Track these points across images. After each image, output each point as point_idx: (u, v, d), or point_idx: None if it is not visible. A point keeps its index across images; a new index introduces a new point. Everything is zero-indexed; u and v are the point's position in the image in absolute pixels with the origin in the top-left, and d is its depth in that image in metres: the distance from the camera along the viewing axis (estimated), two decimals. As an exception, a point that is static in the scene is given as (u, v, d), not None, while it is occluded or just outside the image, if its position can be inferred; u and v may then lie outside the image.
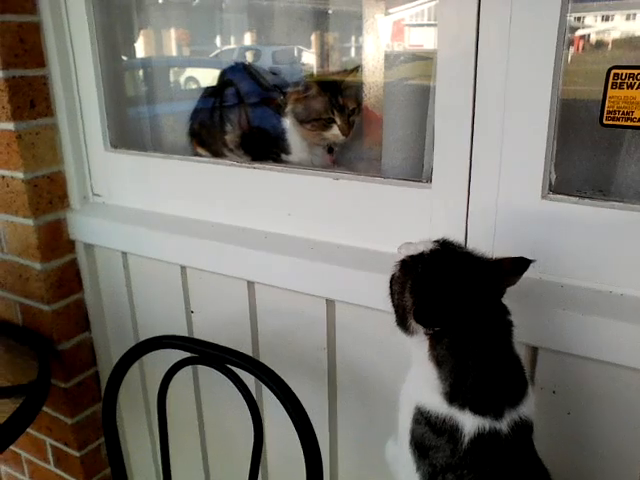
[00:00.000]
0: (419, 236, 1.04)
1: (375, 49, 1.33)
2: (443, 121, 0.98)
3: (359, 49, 1.41)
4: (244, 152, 1.37)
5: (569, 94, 0.92)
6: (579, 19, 0.95)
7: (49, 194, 1.44)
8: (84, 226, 1.46)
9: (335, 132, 1.25)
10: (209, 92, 1.49)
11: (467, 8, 0.91)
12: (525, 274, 0.95)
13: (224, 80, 1.46)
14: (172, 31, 1.65)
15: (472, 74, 0.93)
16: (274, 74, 1.49)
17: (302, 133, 1.29)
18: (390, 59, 1.30)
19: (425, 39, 1.29)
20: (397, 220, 1.08)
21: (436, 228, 1.03)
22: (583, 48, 1.00)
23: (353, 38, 1.44)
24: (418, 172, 1.12)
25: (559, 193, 0.93)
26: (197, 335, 1.38)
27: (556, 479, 0.99)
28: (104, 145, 1.43)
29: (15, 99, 1.32)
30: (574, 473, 1.00)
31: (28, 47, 1.33)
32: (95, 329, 1.61)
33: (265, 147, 1.33)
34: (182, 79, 1.74)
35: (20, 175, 1.38)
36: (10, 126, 1.34)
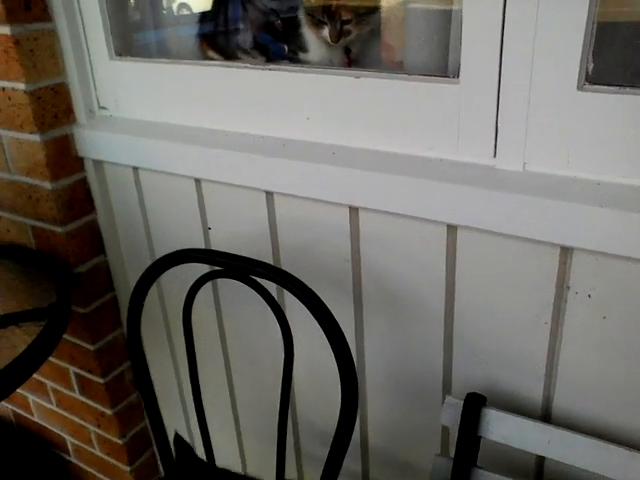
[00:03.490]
0: (447, 136, 1.06)
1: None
2: (471, 10, 0.96)
3: None
4: (259, 52, 1.36)
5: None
6: None
7: (54, 107, 1.44)
8: (92, 141, 1.47)
9: (325, 34, 1.24)
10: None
11: None
12: (558, 172, 0.98)
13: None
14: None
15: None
16: None
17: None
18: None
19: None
20: (423, 119, 1.07)
21: (464, 124, 1.03)
22: None
23: None
24: (443, 69, 1.11)
25: (596, 84, 0.92)
26: (215, 251, 1.41)
27: (591, 386, 1.03)
28: (108, 53, 1.42)
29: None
30: (610, 379, 1.02)
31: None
32: (110, 252, 1.65)
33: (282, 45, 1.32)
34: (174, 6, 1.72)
35: (22, 86, 1.38)
36: (6, 30, 1.32)
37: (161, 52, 1.63)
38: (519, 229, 0.98)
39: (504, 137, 1.01)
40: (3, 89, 1.42)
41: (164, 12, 1.69)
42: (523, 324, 1.07)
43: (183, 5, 1.71)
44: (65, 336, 1.71)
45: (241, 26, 1.40)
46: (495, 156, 1.03)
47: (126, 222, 1.58)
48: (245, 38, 1.39)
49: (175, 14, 1.72)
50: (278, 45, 1.38)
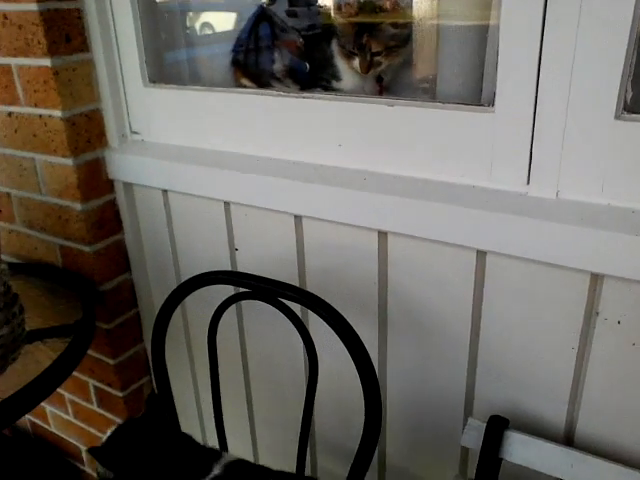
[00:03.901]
0: (480, 163, 1.01)
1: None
2: (508, 39, 0.93)
3: None
4: (293, 81, 1.33)
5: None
6: None
7: (87, 132, 1.42)
8: (123, 164, 1.44)
9: (356, 65, 1.22)
10: (252, 24, 1.44)
11: None
12: (592, 200, 0.93)
13: (264, 13, 1.41)
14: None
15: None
16: (294, 16, 1.46)
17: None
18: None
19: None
20: (456, 146, 1.04)
21: (498, 152, 1.00)
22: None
23: None
24: (476, 97, 1.07)
25: (635, 112, 0.88)
26: (242, 273, 1.36)
27: (616, 412, 0.98)
28: (142, 81, 1.39)
29: (50, 33, 1.29)
30: (637, 406, 0.98)
31: (61, -22, 1.29)
32: (136, 270, 1.61)
33: (315, 74, 1.28)
34: (198, 25, 1.69)
35: (58, 113, 1.36)
36: (47, 62, 1.31)
37: (192, 77, 1.59)
38: (549, 256, 0.95)
39: (538, 164, 0.97)
40: (40, 116, 1.40)
41: (188, 32, 1.66)
42: (550, 348, 1.03)
43: (206, 24, 1.67)
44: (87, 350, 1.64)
45: (275, 55, 1.36)
46: (528, 183, 0.99)
47: (153, 242, 1.54)
48: (278, 66, 1.35)
49: (198, 34, 1.68)
50: (302, 64, 1.36)
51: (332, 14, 1.31)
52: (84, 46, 1.37)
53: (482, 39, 1.04)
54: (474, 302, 1.08)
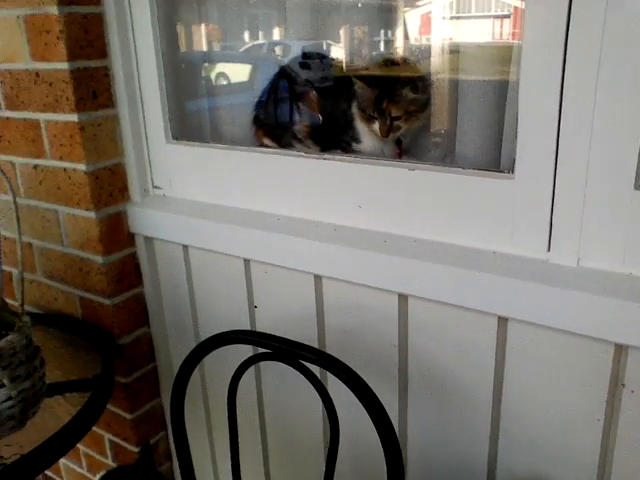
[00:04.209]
0: (500, 228, 1.01)
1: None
2: (528, 107, 0.94)
3: (388, 43, 1.41)
4: (313, 142, 1.35)
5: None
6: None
7: (110, 186, 1.44)
8: (144, 219, 1.46)
9: (376, 129, 1.24)
10: (274, 83, 1.47)
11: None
12: (613, 269, 0.92)
13: (286, 71, 1.44)
14: (202, 26, 1.64)
15: (562, 56, 0.88)
16: (307, 68, 1.49)
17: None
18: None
19: (453, 31, 1.29)
20: (477, 211, 1.04)
21: (519, 218, 1.00)
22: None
23: (382, 31, 1.43)
24: (495, 162, 1.08)
25: (655, 183, 0.88)
26: (260, 330, 1.36)
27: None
28: (165, 137, 1.42)
29: (79, 91, 1.33)
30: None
31: (92, 38, 1.33)
32: (154, 324, 1.61)
33: (335, 136, 1.30)
34: (213, 75, 1.73)
35: (82, 167, 1.38)
36: (74, 118, 1.34)
37: (214, 134, 1.61)
38: (572, 324, 0.94)
39: (559, 232, 0.97)
40: (65, 169, 1.42)
41: (207, 82, 1.70)
42: (574, 420, 1.01)
43: (221, 74, 1.70)
44: (104, 404, 1.64)
45: (296, 115, 1.38)
46: (549, 250, 0.99)
47: (172, 296, 1.54)
48: (299, 127, 1.37)
49: (214, 84, 1.72)
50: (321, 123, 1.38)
51: (344, 67, 1.34)
52: (110, 102, 1.41)
53: (501, 104, 1.05)
54: (496, 368, 1.06)
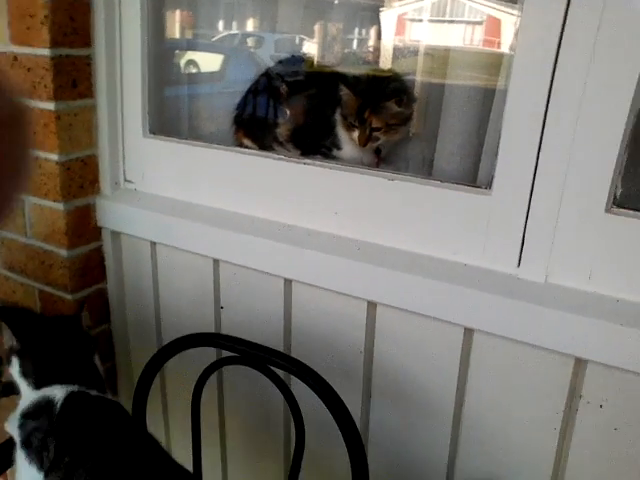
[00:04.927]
0: (473, 242, 1.05)
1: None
2: (511, 127, 0.98)
3: (361, 42, 1.45)
4: (294, 146, 1.37)
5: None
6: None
7: (81, 178, 1.43)
8: (113, 213, 1.45)
9: (355, 137, 1.27)
10: (258, 84, 1.49)
11: (553, 14, 0.91)
12: (579, 287, 0.97)
13: (270, 73, 1.47)
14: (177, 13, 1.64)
15: (549, 81, 0.93)
16: (280, 63, 1.52)
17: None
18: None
19: (425, 35, 1.36)
20: (451, 224, 1.08)
21: (492, 233, 1.04)
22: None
23: (357, 30, 1.47)
24: (472, 176, 1.12)
25: (624, 207, 0.94)
26: (225, 332, 1.37)
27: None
28: (142, 131, 1.42)
29: (58, 78, 1.31)
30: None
31: (77, 25, 1.32)
32: (115, 321, 1.59)
33: (317, 140, 1.33)
34: (188, 64, 1.73)
35: (54, 157, 1.36)
36: (50, 106, 1.32)
37: (192, 126, 1.62)
38: (536, 338, 0.98)
39: (530, 248, 1.01)
40: (36, 158, 1.39)
41: (181, 72, 1.71)
42: (532, 428, 1.05)
43: (191, 62, 1.71)
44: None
45: (278, 118, 1.40)
46: (519, 266, 1.03)
47: (137, 294, 1.53)
48: (280, 130, 1.39)
49: (188, 73, 1.73)
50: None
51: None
52: (89, 92, 1.39)
53: (483, 121, 1.10)
54: (459, 377, 1.09)
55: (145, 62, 1.37)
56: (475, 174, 1.13)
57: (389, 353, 1.16)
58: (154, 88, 1.44)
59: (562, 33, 0.90)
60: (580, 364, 0.97)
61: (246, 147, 1.44)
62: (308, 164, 1.21)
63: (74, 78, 1.35)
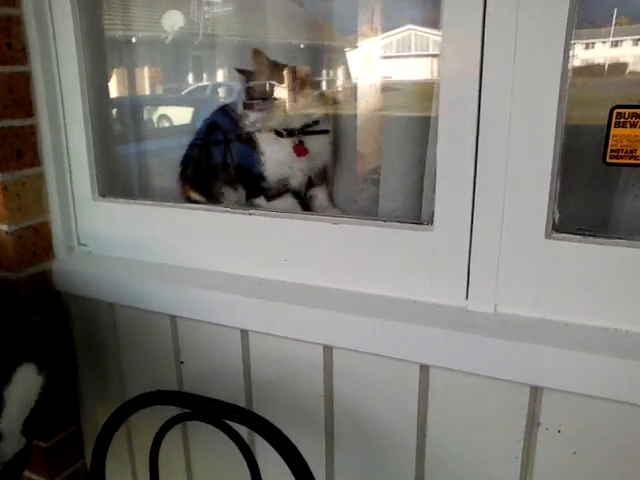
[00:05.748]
0: (421, 278, 1.05)
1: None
2: (444, 164, 1.00)
3: (330, 82, 1.47)
4: (243, 186, 1.39)
5: (572, 132, 0.94)
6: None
7: (33, 246, 1.42)
8: (69, 277, 1.44)
9: None
10: (199, 137, 1.50)
11: (470, 49, 0.93)
12: (528, 314, 0.98)
13: (211, 124, 1.47)
14: (145, 69, 1.65)
15: (475, 116, 0.95)
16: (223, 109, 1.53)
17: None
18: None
19: (393, 71, 1.39)
20: (398, 262, 1.08)
21: (438, 268, 1.04)
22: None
23: (324, 72, 1.49)
24: (417, 214, 1.13)
25: (563, 232, 0.95)
26: (187, 386, 1.36)
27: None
28: (92, 194, 1.42)
29: (2, 150, 1.31)
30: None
31: (17, 97, 1.33)
32: (81, 382, 1.57)
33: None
34: (155, 117, 1.74)
35: (4, 227, 1.35)
36: (-5, 178, 1.32)
37: (143, 189, 1.63)
38: (489, 370, 0.98)
39: (476, 280, 1.02)
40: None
41: (135, 129, 1.71)
42: (495, 458, 1.04)
43: (163, 117, 1.72)
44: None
45: (228, 160, 1.42)
46: (467, 298, 1.04)
47: (99, 355, 1.51)
48: (230, 171, 1.40)
49: (150, 129, 1.73)
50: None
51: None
52: (35, 161, 1.39)
53: (422, 160, 1.11)
54: (419, 412, 1.09)
55: (89, 125, 1.38)
56: (419, 210, 1.14)
57: (348, 395, 1.16)
58: (104, 149, 1.45)
59: (482, 60, 0.93)
60: (536, 392, 0.97)
61: (194, 201, 1.44)
62: (253, 214, 1.22)
63: (18, 148, 1.35)
